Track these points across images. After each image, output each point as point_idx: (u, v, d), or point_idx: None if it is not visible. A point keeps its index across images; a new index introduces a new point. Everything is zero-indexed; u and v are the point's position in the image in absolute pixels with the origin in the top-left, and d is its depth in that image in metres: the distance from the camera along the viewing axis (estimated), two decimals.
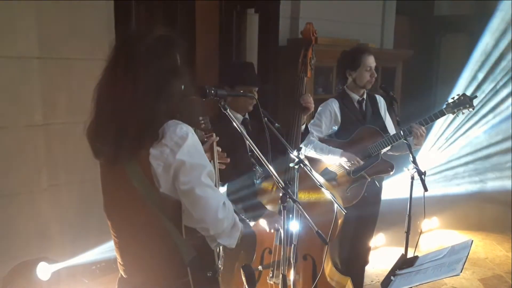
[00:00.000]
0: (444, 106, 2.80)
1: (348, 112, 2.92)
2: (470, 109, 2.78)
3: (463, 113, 2.79)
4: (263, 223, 2.29)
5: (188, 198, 1.41)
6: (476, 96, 2.82)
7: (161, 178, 1.40)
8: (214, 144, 1.78)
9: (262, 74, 4.25)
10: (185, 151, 1.39)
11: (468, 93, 2.95)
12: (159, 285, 1.50)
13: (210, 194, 1.42)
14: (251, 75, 2.49)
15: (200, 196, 1.40)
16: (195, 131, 1.61)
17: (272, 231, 2.26)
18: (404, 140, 2.54)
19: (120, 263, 1.58)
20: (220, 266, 1.61)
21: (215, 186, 1.57)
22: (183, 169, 1.39)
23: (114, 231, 1.55)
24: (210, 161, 1.74)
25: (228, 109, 1.70)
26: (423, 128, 2.75)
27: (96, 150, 1.47)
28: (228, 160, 1.87)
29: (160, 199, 1.42)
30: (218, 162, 1.80)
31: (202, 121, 1.74)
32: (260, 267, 2.31)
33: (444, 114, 2.79)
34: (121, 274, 1.60)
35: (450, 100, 2.80)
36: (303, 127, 2.52)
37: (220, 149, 1.83)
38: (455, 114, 2.79)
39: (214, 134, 1.76)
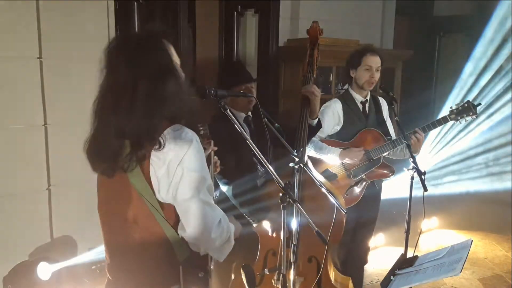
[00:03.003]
0: (448, 112, 2.80)
1: (351, 113, 2.90)
2: (473, 117, 2.77)
3: (466, 121, 2.79)
4: (266, 225, 2.29)
5: (184, 212, 1.39)
6: (480, 104, 2.81)
7: (161, 182, 1.38)
8: (212, 153, 1.78)
9: (262, 74, 4.26)
10: (189, 159, 1.36)
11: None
12: (150, 285, 1.48)
13: (207, 213, 1.38)
14: (241, 73, 2.49)
15: (195, 213, 1.37)
16: None
17: (274, 234, 2.26)
18: (405, 141, 2.54)
19: (107, 264, 1.56)
20: (211, 266, 1.61)
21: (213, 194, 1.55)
22: (183, 180, 1.36)
23: (105, 230, 1.54)
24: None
25: (228, 109, 1.71)
26: (422, 134, 2.75)
27: (95, 165, 1.46)
28: (218, 170, 1.87)
29: (158, 202, 1.41)
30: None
31: (201, 129, 1.74)
32: (266, 270, 2.30)
33: (448, 121, 2.78)
34: (108, 277, 1.57)
35: (454, 107, 2.79)
36: (315, 121, 2.49)
37: (217, 158, 1.83)
38: (458, 121, 2.79)
39: (212, 142, 1.76)
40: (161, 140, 1.35)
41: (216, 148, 1.77)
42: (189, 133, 1.40)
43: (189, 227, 1.38)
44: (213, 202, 1.42)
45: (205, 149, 1.76)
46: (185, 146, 1.36)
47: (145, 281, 1.47)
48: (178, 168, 1.36)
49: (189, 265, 1.46)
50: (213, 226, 1.39)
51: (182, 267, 1.45)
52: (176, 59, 1.48)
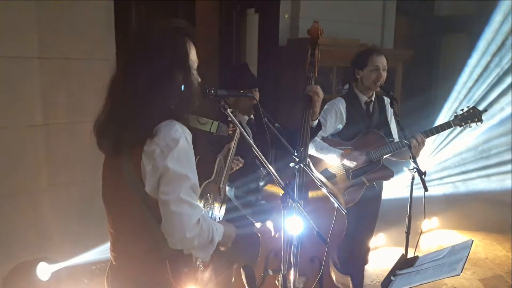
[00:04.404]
0: (452, 117, 2.76)
1: (355, 112, 2.89)
2: (478, 124, 2.71)
3: (470, 127, 2.74)
4: (269, 225, 2.28)
5: (163, 209, 1.40)
6: (486, 110, 2.74)
7: (148, 177, 1.40)
8: (235, 140, 1.78)
9: (262, 74, 4.25)
10: (174, 157, 1.38)
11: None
12: (143, 277, 1.52)
13: (185, 212, 1.38)
14: (246, 77, 2.48)
15: (174, 211, 1.37)
16: (219, 125, 1.61)
17: (277, 235, 2.25)
18: (406, 142, 2.53)
19: (111, 249, 1.60)
20: (199, 264, 1.61)
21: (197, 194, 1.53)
22: (166, 177, 1.38)
23: (108, 218, 1.59)
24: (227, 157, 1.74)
25: (228, 109, 1.70)
26: (424, 138, 2.73)
27: (100, 141, 1.50)
28: (241, 164, 1.86)
29: (146, 195, 1.43)
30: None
31: (231, 110, 1.73)
32: (270, 271, 2.29)
33: (451, 126, 2.74)
34: (111, 261, 1.62)
35: (459, 112, 2.73)
36: (316, 122, 2.49)
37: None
38: (462, 127, 2.75)
39: (238, 129, 1.74)
40: (154, 132, 1.38)
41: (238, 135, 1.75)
42: (179, 130, 1.40)
43: (166, 224, 1.40)
44: (194, 201, 1.42)
45: (228, 135, 1.76)
46: (171, 144, 1.38)
47: (141, 268, 1.51)
48: (162, 167, 1.38)
49: (174, 260, 1.48)
50: (189, 225, 1.39)
51: (168, 261, 1.48)
52: (193, 58, 1.50)
